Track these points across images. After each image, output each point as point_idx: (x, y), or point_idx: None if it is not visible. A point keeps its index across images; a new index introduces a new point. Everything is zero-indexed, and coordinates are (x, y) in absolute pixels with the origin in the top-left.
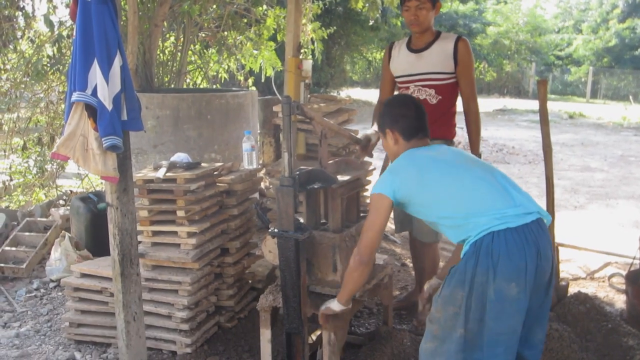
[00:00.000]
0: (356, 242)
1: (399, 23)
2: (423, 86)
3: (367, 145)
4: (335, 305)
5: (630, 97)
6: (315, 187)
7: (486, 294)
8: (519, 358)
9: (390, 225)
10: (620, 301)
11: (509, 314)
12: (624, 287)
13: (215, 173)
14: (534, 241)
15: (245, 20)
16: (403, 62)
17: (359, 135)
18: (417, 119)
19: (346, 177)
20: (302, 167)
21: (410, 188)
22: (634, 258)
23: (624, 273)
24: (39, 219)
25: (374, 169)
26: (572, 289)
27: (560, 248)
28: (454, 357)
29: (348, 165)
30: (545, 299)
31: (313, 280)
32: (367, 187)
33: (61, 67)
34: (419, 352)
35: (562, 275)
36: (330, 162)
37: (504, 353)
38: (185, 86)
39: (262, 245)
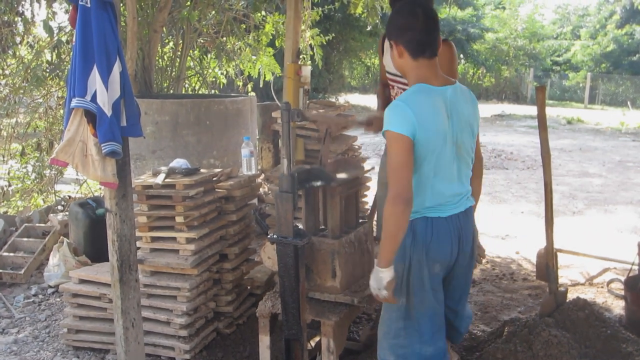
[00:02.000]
0: (356, 249)
1: None
2: (405, 90)
3: (372, 123)
4: (385, 275)
5: (629, 103)
6: (315, 185)
7: (421, 270)
8: (451, 329)
9: None
10: (619, 307)
11: (435, 287)
12: (622, 293)
13: (214, 179)
14: (457, 229)
15: (244, 26)
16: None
17: (363, 118)
18: (425, 33)
19: (345, 177)
20: (301, 165)
21: (426, 135)
22: (633, 264)
23: (623, 279)
24: (37, 224)
25: (372, 168)
26: (571, 295)
27: (558, 254)
28: (395, 325)
29: (347, 165)
30: (468, 275)
31: (312, 286)
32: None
33: (60, 73)
34: None
35: (561, 281)
36: (330, 161)
37: (440, 321)
38: (184, 92)
39: (261, 252)
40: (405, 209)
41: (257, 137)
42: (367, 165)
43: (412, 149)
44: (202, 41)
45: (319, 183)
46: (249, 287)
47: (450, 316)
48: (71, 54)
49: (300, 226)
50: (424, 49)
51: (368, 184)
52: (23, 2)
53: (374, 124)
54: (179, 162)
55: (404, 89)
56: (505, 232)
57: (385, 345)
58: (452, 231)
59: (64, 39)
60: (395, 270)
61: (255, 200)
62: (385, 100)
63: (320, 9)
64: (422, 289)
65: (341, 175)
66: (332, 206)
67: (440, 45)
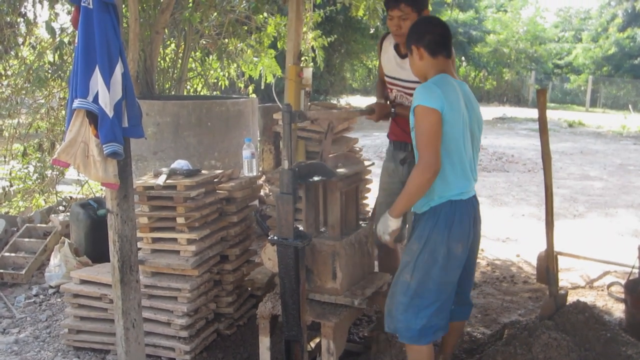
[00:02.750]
0: (356, 250)
1: None
2: (405, 93)
3: (374, 111)
4: (393, 223)
5: (630, 106)
6: (315, 179)
7: (438, 250)
8: (462, 304)
9: None
10: (619, 310)
11: (454, 267)
12: (623, 296)
13: (215, 180)
14: (473, 211)
15: (246, 28)
16: (390, 61)
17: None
18: (442, 36)
19: (346, 172)
20: (302, 161)
21: (452, 115)
22: (633, 267)
23: (623, 282)
24: (38, 225)
25: (373, 163)
26: (571, 298)
27: (559, 257)
28: (397, 298)
29: (347, 160)
30: (476, 252)
31: (312, 287)
32: (367, 187)
33: (62, 74)
34: None
35: (561, 284)
36: (330, 156)
37: (446, 300)
38: (185, 93)
39: (261, 253)
40: (432, 178)
41: (259, 138)
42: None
43: (441, 122)
44: (203, 43)
45: (319, 178)
46: (249, 289)
47: (459, 292)
48: (73, 55)
49: (301, 227)
50: (441, 49)
51: (369, 185)
52: (25, 3)
53: (376, 111)
54: (180, 164)
55: (404, 92)
56: (506, 234)
57: (388, 317)
58: (470, 212)
59: (66, 40)
60: (410, 249)
61: (256, 202)
62: (382, 93)
63: (322, 10)
64: (434, 267)
65: (341, 170)
66: (332, 201)
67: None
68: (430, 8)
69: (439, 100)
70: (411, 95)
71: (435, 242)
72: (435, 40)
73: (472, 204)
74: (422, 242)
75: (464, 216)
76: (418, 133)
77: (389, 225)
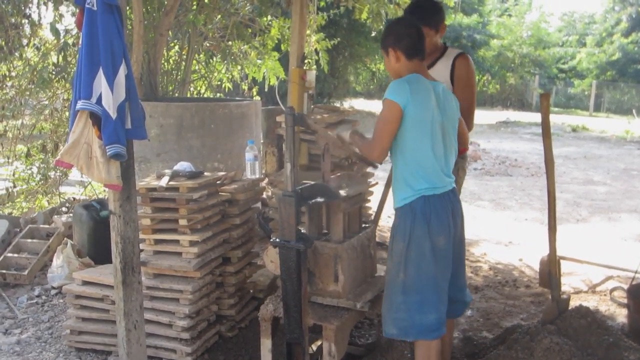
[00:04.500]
0: (358, 253)
1: None
2: None
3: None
4: (345, 135)
5: (634, 111)
6: (319, 201)
7: (423, 245)
8: (452, 301)
9: None
10: (621, 315)
11: (442, 258)
12: (625, 301)
13: (217, 182)
14: (450, 205)
15: (250, 30)
16: None
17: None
18: (418, 40)
19: (349, 193)
20: (305, 181)
21: (416, 111)
22: (636, 272)
23: (626, 287)
24: (41, 226)
25: (377, 183)
26: (574, 303)
27: (562, 261)
28: (395, 298)
29: (350, 180)
30: (462, 246)
31: (314, 290)
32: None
33: (66, 75)
34: None
35: (563, 288)
36: (333, 176)
37: (443, 294)
38: (189, 95)
39: (263, 255)
40: (375, 160)
41: (262, 141)
42: (371, 180)
43: (400, 119)
44: (207, 45)
45: (323, 199)
46: (251, 291)
47: (450, 288)
48: (77, 56)
49: (303, 230)
50: (418, 52)
51: (372, 189)
52: (30, 5)
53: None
54: (183, 165)
55: None
56: (509, 238)
57: (388, 320)
58: (447, 206)
59: (70, 41)
60: (396, 249)
61: (258, 204)
62: None
63: (325, 13)
64: (423, 261)
65: (344, 192)
66: (335, 222)
67: (458, 58)
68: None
69: (403, 96)
70: None
71: (418, 236)
72: (413, 43)
73: (449, 197)
74: (406, 240)
75: (440, 210)
76: (378, 120)
77: (344, 131)
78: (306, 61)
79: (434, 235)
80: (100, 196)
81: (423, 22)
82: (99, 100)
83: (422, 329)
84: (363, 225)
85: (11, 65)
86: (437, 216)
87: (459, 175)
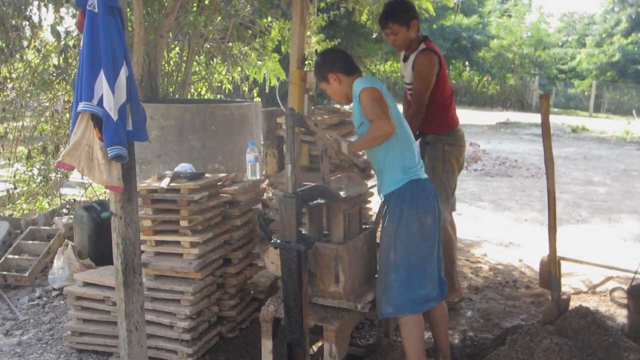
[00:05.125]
0: (359, 254)
1: None
2: (409, 94)
3: (365, 169)
4: (343, 147)
5: (634, 112)
6: (319, 203)
7: (411, 225)
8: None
9: None
10: (621, 316)
11: (430, 237)
12: (625, 301)
13: (218, 184)
14: (432, 190)
15: (250, 32)
16: (402, 66)
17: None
18: (349, 58)
19: (349, 194)
20: (305, 183)
21: (387, 100)
22: (636, 272)
23: (626, 287)
24: (42, 227)
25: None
26: (574, 303)
27: (562, 262)
28: (387, 278)
29: (350, 181)
30: (439, 229)
31: (315, 291)
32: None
33: (67, 77)
34: None
35: (563, 289)
36: (333, 178)
37: (432, 271)
38: (189, 97)
39: (264, 257)
40: (385, 136)
41: (262, 142)
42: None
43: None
44: (208, 46)
45: (323, 201)
46: (252, 292)
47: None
48: (78, 58)
49: (304, 231)
50: (354, 68)
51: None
52: (31, 7)
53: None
54: (183, 167)
55: (409, 94)
56: (509, 239)
57: (383, 300)
58: (429, 189)
59: (71, 43)
60: (387, 231)
61: (259, 205)
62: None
63: (325, 14)
64: (412, 240)
65: (344, 193)
66: (335, 223)
67: (419, 54)
68: (430, 14)
69: (376, 83)
70: (410, 95)
71: (407, 218)
72: (347, 62)
73: (429, 184)
74: (395, 222)
75: (427, 192)
76: (367, 106)
77: (342, 145)
78: (306, 62)
79: (422, 215)
80: (101, 197)
81: (393, 20)
82: (100, 102)
83: (414, 304)
84: (363, 227)
85: (12, 67)
86: (425, 197)
87: (445, 150)
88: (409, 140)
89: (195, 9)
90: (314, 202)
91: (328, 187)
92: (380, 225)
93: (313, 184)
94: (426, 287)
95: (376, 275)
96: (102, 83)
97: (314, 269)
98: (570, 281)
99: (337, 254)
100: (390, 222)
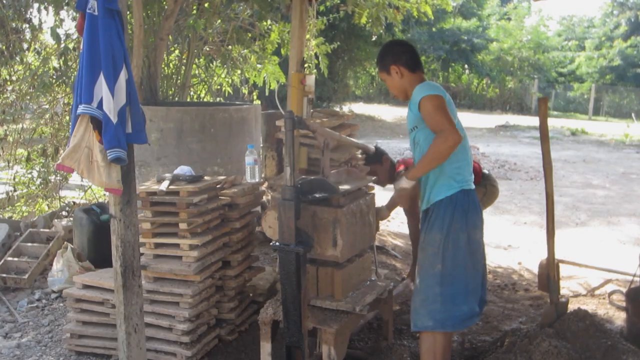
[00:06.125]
0: (357, 219)
1: (401, 35)
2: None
3: (373, 157)
4: (405, 183)
5: (633, 115)
6: (317, 196)
7: (460, 236)
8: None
9: (392, 241)
10: (620, 318)
11: (476, 250)
12: (624, 304)
13: (218, 186)
14: (478, 201)
15: (250, 35)
16: None
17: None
18: (416, 54)
19: (348, 187)
20: (304, 176)
21: (450, 107)
22: (635, 275)
23: (624, 290)
24: (41, 229)
25: (375, 178)
26: (572, 306)
27: (561, 265)
28: (432, 291)
29: (349, 176)
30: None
31: (312, 254)
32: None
33: (67, 80)
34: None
35: (562, 292)
36: (332, 172)
37: (476, 287)
38: (189, 99)
39: (262, 221)
40: (453, 147)
41: (261, 145)
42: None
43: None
44: (207, 49)
45: (321, 194)
46: (251, 294)
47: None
48: (78, 61)
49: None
50: (418, 64)
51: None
52: (31, 9)
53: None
54: (183, 169)
55: None
56: (508, 242)
57: (423, 312)
58: (477, 201)
59: (71, 46)
60: (432, 240)
61: (258, 208)
62: None
63: (325, 17)
64: (459, 253)
65: (344, 186)
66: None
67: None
68: (429, 17)
69: (439, 90)
70: None
71: (456, 229)
72: (413, 57)
73: (475, 194)
74: (443, 232)
75: (476, 204)
76: (431, 115)
77: (401, 183)
78: (306, 65)
79: (471, 228)
80: (101, 200)
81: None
82: (99, 105)
83: (457, 320)
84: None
85: (12, 69)
86: (474, 209)
87: None
88: (466, 150)
89: (195, 12)
90: (313, 195)
91: (327, 180)
92: (421, 232)
93: (312, 177)
94: (469, 303)
95: (373, 279)
96: (101, 86)
97: (312, 232)
98: (569, 284)
99: (335, 217)
100: (438, 231)
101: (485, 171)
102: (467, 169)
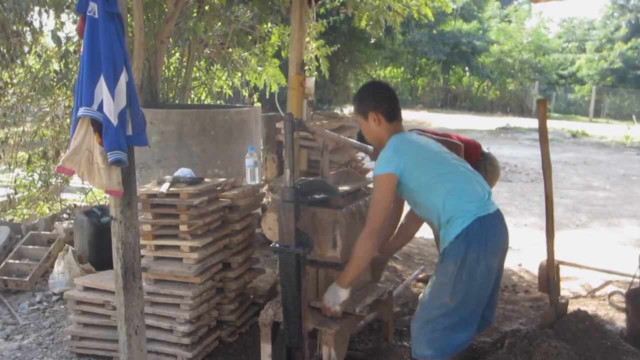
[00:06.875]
0: (357, 220)
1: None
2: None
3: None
4: (343, 294)
5: (634, 117)
6: (317, 197)
7: (475, 268)
8: (481, 319)
9: None
10: (620, 319)
11: (490, 280)
12: (624, 305)
13: (218, 188)
14: (502, 224)
15: (250, 38)
16: None
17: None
18: (396, 103)
19: (347, 188)
20: (303, 177)
21: (415, 170)
22: (634, 276)
23: (625, 291)
24: (42, 232)
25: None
26: (572, 307)
27: (561, 266)
28: (431, 318)
29: (349, 176)
30: (502, 266)
31: (312, 256)
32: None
33: (67, 82)
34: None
35: (562, 293)
36: (332, 172)
37: (478, 310)
38: (189, 102)
39: (262, 222)
40: (376, 242)
41: (262, 147)
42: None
43: (395, 186)
44: (208, 52)
45: (321, 195)
46: (251, 296)
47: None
48: (78, 63)
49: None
50: (396, 114)
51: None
52: (31, 12)
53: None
54: (183, 172)
55: None
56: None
57: (422, 340)
58: (501, 223)
59: (71, 48)
60: (445, 270)
61: (259, 210)
62: None
63: (325, 20)
64: (473, 285)
65: (343, 187)
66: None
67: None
68: (429, 19)
69: (393, 163)
70: None
71: (472, 261)
72: (392, 106)
73: (499, 216)
74: (457, 263)
75: (496, 229)
76: (372, 199)
77: (340, 296)
78: (306, 68)
79: (489, 257)
80: (101, 202)
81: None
82: (100, 107)
83: (455, 348)
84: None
85: (13, 72)
86: (494, 236)
87: None
88: (462, 174)
89: (195, 14)
90: (312, 196)
91: (326, 181)
92: (439, 261)
93: (312, 178)
94: (469, 329)
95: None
96: (102, 88)
97: (312, 233)
98: (569, 285)
99: (335, 218)
100: (452, 262)
101: (485, 149)
102: (472, 192)
